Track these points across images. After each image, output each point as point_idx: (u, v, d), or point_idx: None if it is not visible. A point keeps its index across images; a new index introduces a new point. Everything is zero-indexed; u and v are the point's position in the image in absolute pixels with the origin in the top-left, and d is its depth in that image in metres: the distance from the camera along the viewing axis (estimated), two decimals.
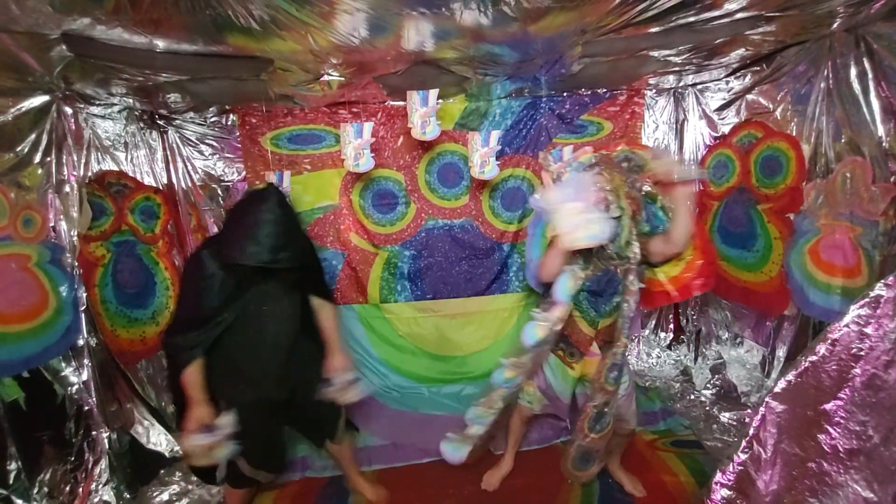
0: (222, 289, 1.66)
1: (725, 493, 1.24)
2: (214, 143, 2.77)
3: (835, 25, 1.85)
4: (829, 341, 1.12)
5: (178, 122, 2.67)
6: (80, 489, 1.95)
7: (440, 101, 2.43)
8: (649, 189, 1.78)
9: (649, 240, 1.73)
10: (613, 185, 1.64)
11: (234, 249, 1.58)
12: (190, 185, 2.77)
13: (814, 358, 1.14)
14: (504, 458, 2.20)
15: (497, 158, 2.55)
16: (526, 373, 1.84)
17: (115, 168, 2.35)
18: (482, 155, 2.49)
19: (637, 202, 1.69)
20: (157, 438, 2.36)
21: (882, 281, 1.08)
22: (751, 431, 1.21)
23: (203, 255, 1.68)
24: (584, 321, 1.79)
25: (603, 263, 1.69)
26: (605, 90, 2.83)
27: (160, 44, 1.64)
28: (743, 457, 1.22)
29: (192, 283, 1.70)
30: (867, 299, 1.09)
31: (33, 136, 1.85)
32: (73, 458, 1.95)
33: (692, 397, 2.78)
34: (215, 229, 2.86)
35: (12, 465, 1.73)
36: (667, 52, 2.09)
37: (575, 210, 1.49)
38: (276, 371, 1.82)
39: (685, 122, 2.88)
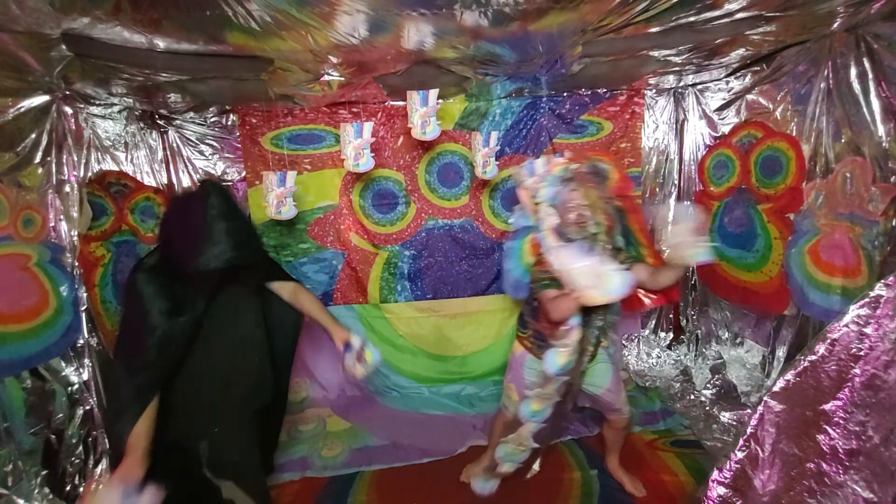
0: (172, 311, 1.49)
1: (722, 490, 1.24)
2: (214, 143, 2.77)
3: (835, 25, 1.85)
4: (829, 341, 1.12)
5: (178, 122, 2.67)
6: (81, 489, 1.95)
7: (440, 101, 2.42)
8: (617, 204, 1.84)
9: (627, 258, 1.78)
10: (590, 201, 1.70)
11: (191, 256, 1.40)
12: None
13: (813, 358, 1.14)
14: (486, 453, 2.21)
15: (497, 158, 2.56)
16: (552, 404, 1.77)
17: (116, 168, 2.36)
18: (484, 155, 2.50)
19: (611, 217, 1.74)
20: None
21: (882, 281, 1.07)
22: (748, 430, 1.21)
23: (139, 278, 1.49)
24: None
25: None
26: (605, 90, 2.83)
27: (160, 44, 1.64)
28: (740, 455, 1.22)
29: (133, 311, 1.51)
30: (867, 299, 1.08)
31: (33, 135, 1.85)
32: (73, 459, 1.95)
33: (692, 397, 2.78)
34: None
35: (13, 466, 1.73)
36: (667, 52, 2.09)
37: (588, 269, 1.49)
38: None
39: (685, 122, 2.88)
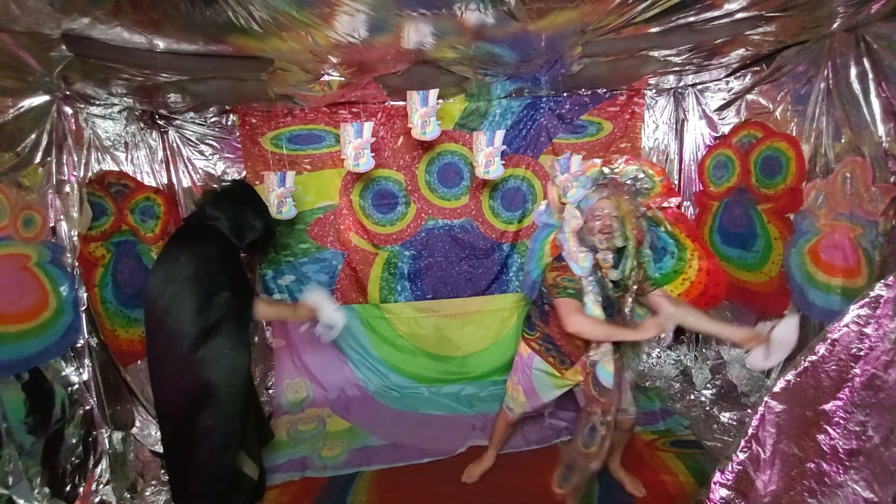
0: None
1: (724, 492, 1.24)
2: (214, 144, 2.77)
3: (835, 25, 1.85)
4: (829, 341, 1.12)
5: (178, 122, 2.67)
6: (81, 489, 1.95)
7: (440, 101, 2.43)
8: (654, 213, 1.79)
9: (651, 285, 1.75)
10: (621, 212, 1.64)
11: (259, 224, 1.95)
12: (190, 185, 2.77)
13: (813, 358, 1.14)
14: (487, 453, 2.21)
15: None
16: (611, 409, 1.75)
17: (116, 168, 2.35)
18: (487, 154, 2.49)
19: (642, 231, 1.68)
20: (157, 438, 2.36)
21: (882, 281, 1.08)
22: (749, 431, 1.21)
23: (208, 249, 1.80)
24: None
25: (603, 291, 1.68)
26: (605, 90, 2.83)
27: (160, 44, 1.64)
28: (742, 456, 1.22)
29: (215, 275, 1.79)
30: (867, 299, 1.08)
31: (33, 136, 1.85)
32: (73, 459, 1.95)
33: (692, 397, 2.78)
34: None
35: (13, 466, 1.73)
36: (667, 52, 2.09)
37: None
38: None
39: (685, 122, 2.88)
